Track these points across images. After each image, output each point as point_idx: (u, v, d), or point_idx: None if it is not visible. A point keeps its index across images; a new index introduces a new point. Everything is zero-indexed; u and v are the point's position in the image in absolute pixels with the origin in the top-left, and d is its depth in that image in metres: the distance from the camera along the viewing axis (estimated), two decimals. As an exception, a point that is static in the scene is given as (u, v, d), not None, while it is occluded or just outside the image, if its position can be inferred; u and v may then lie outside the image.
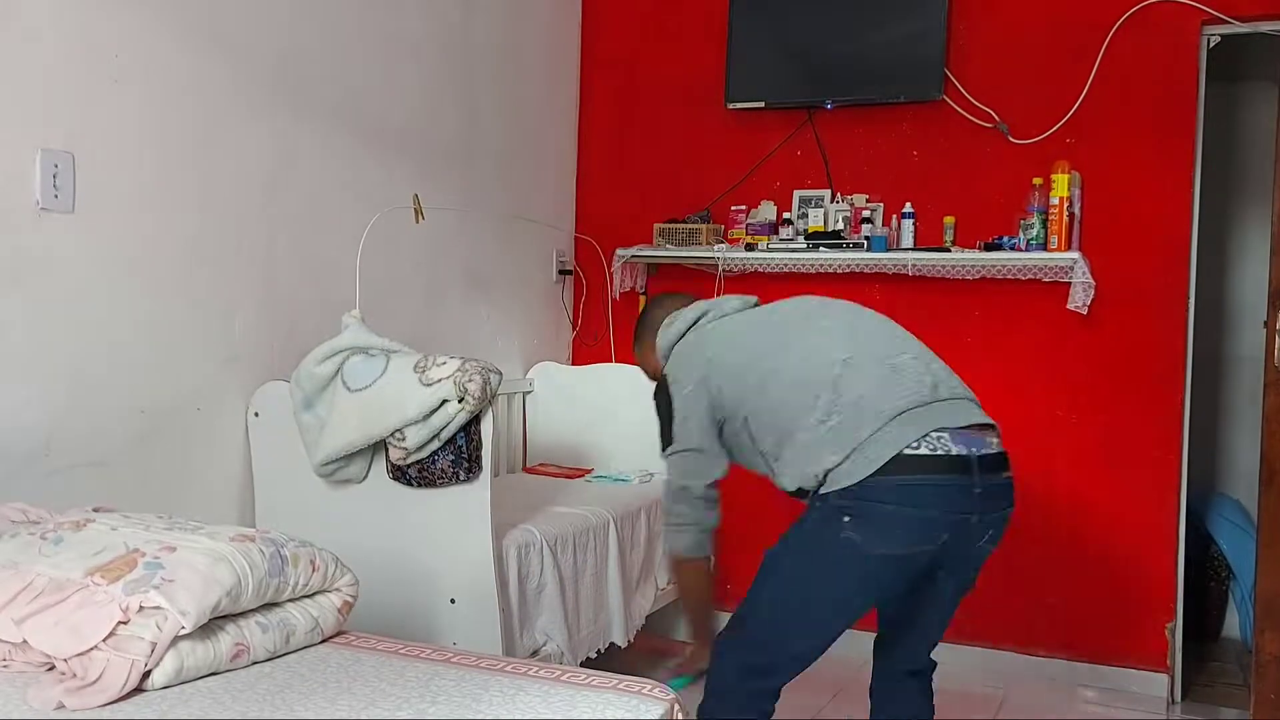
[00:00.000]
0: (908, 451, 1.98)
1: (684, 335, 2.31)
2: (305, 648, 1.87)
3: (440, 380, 2.52)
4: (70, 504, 2.10)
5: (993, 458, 2.05)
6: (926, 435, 1.99)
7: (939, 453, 1.99)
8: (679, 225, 4.02)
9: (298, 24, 2.98)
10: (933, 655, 2.36)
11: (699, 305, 2.36)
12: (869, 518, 2.01)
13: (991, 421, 2.09)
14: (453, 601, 2.64)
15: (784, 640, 2.16)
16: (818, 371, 2.10)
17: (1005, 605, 3.67)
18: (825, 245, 3.77)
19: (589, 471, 3.81)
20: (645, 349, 2.50)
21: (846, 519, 2.03)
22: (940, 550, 2.04)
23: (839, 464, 2.03)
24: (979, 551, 2.12)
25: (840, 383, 2.07)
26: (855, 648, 3.91)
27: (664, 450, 2.28)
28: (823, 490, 2.07)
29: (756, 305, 2.37)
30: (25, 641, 1.69)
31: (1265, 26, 3.46)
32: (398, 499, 2.66)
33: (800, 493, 2.16)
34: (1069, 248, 3.49)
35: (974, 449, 2.02)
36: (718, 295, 4.09)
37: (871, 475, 1.99)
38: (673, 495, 2.30)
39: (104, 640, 1.63)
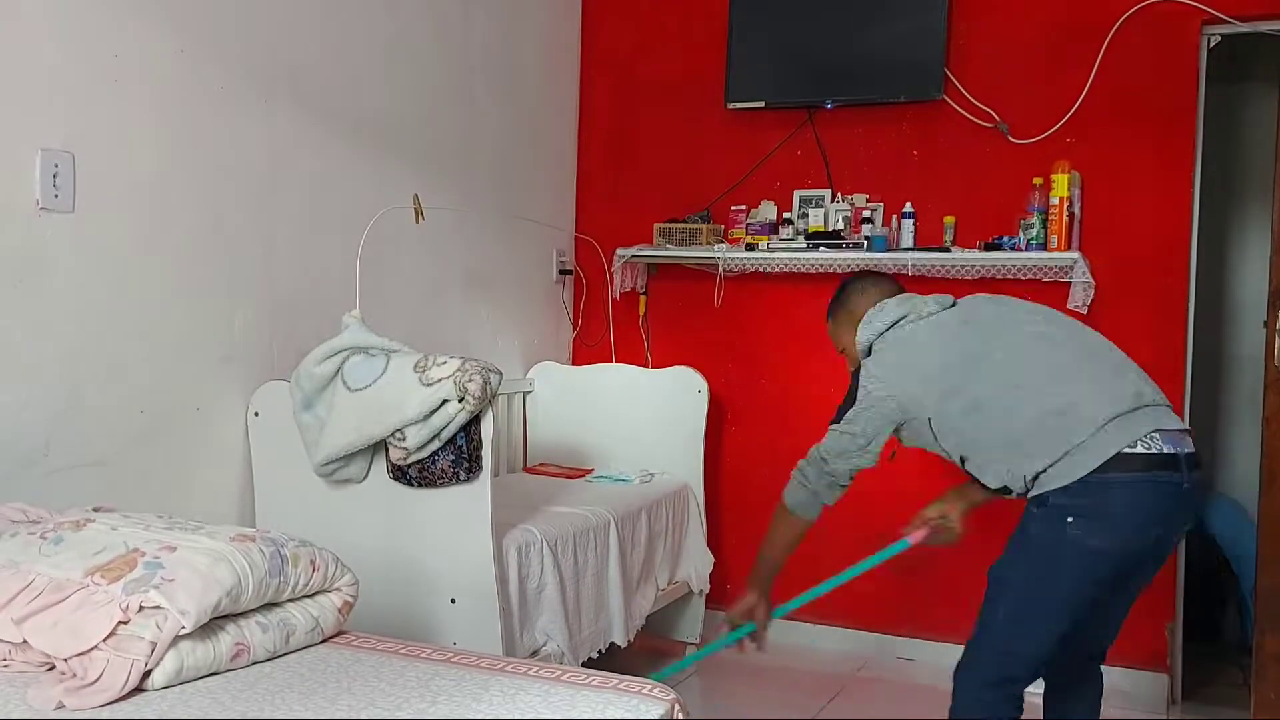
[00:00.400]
0: (1126, 450, 2.13)
1: (883, 334, 2.44)
2: (305, 648, 1.87)
3: (440, 380, 2.52)
4: (70, 504, 2.10)
5: (1194, 457, 2.20)
6: (1141, 437, 2.15)
7: (1153, 451, 2.15)
8: (679, 225, 4.02)
9: (298, 24, 2.98)
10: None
11: (900, 303, 2.48)
12: (1093, 514, 2.14)
13: (1188, 427, 2.25)
14: (453, 601, 2.64)
15: (1024, 648, 2.25)
16: (1029, 377, 2.26)
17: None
18: (825, 245, 3.77)
19: (589, 471, 3.81)
20: (842, 330, 2.64)
21: (1070, 519, 2.15)
22: (1154, 543, 2.21)
23: (1053, 464, 2.16)
24: (1173, 545, 2.31)
25: (1050, 389, 2.22)
26: (855, 647, 3.93)
27: (835, 421, 2.43)
28: (1037, 492, 2.20)
29: (953, 305, 2.48)
30: (25, 641, 1.69)
31: (1265, 26, 3.46)
32: (398, 499, 2.66)
33: (1003, 490, 2.30)
34: (1069, 247, 3.49)
35: (1181, 448, 2.17)
36: (717, 297, 4.09)
37: (1092, 473, 2.12)
38: (816, 461, 2.48)
39: (104, 640, 1.63)
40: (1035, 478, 2.20)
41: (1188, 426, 2.25)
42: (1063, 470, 2.15)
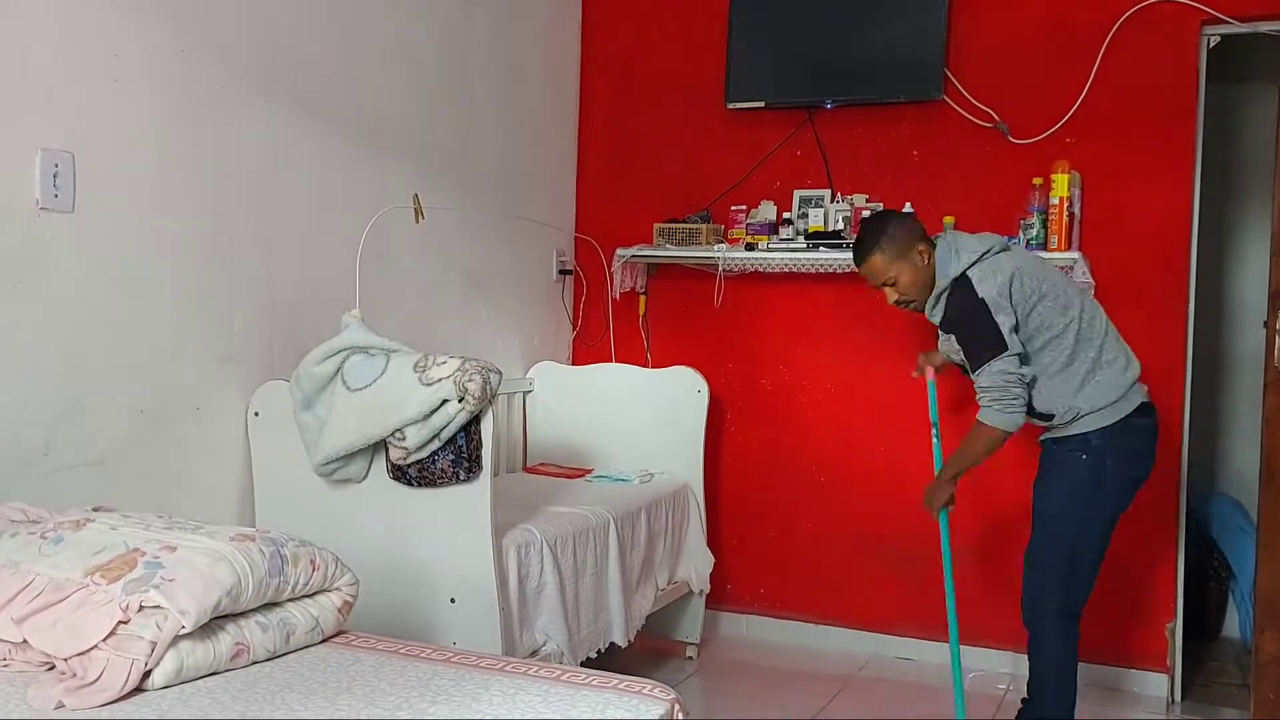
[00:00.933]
0: (1143, 400, 2.77)
1: (975, 263, 2.75)
2: (305, 647, 1.87)
3: (440, 380, 2.52)
4: (70, 504, 2.10)
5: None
6: (1141, 389, 2.77)
7: (1147, 400, 2.78)
8: (679, 225, 4.01)
9: (298, 24, 2.98)
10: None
11: (980, 239, 2.83)
12: (1121, 453, 2.74)
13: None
14: (453, 601, 2.64)
15: (1083, 564, 2.79)
16: (1096, 331, 2.78)
17: (1006, 605, 3.66)
18: (825, 245, 3.77)
19: (589, 471, 3.81)
20: (893, 261, 2.86)
21: (1109, 460, 2.73)
22: (1145, 475, 2.82)
23: (1096, 409, 2.72)
24: None
25: (1107, 346, 2.78)
26: (855, 648, 3.93)
27: (995, 356, 2.69)
28: (1076, 432, 2.75)
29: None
30: (25, 641, 1.69)
31: (1265, 26, 3.46)
32: (398, 499, 2.66)
33: (1043, 416, 2.79)
34: (1069, 247, 3.49)
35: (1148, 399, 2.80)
36: (717, 297, 4.09)
37: (1125, 418, 2.72)
38: (1008, 385, 2.71)
39: (104, 640, 1.63)
40: (1078, 415, 2.72)
41: None
42: (1105, 415, 2.70)
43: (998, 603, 3.58)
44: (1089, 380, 2.74)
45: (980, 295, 2.70)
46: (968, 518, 3.73)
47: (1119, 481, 2.78)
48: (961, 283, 2.75)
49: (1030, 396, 2.74)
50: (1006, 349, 2.68)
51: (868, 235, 2.92)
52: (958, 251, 2.78)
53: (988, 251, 2.77)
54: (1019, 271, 2.73)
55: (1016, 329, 2.71)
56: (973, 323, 2.72)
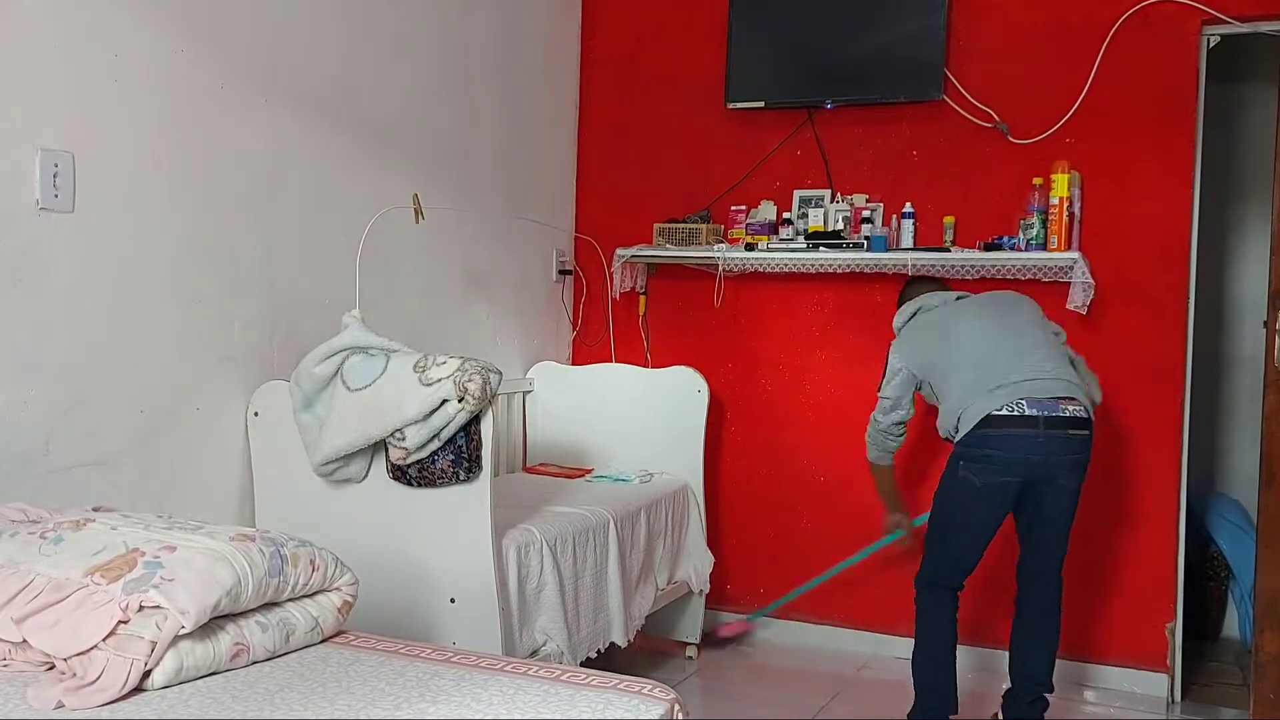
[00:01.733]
0: (994, 412, 2.87)
1: (905, 324, 3.21)
2: (305, 647, 1.87)
3: (440, 380, 2.52)
4: (70, 504, 2.10)
5: (1061, 419, 2.86)
6: (1009, 402, 2.86)
7: (1015, 413, 2.86)
8: (679, 225, 4.02)
9: (297, 24, 2.98)
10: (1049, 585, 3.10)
11: (916, 301, 3.23)
12: (974, 459, 2.91)
13: (1073, 396, 2.89)
14: (452, 601, 2.64)
15: (946, 552, 3.05)
16: (959, 360, 3.01)
17: (1005, 605, 3.66)
18: (825, 245, 3.77)
19: (589, 471, 3.81)
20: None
21: (961, 462, 2.94)
22: (1024, 481, 2.90)
23: (957, 422, 2.95)
24: (1060, 487, 2.93)
25: (964, 368, 2.98)
26: (855, 647, 3.93)
27: (879, 391, 3.22)
28: (954, 440, 2.98)
29: (953, 300, 3.19)
30: (25, 641, 1.69)
31: (1265, 26, 3.46)
32: (398, 499, 2.66)
33: (947, 439, 3.06)
34: (1069, 247, 3.49)
35: (1045, 411, 2.86)
36: (717, 296, 4.10)
37: (972, 430, 2.90)
38: (872, 423, 3.26)
39: (104, 640, 1.63)
40: (955, 430, 2.97)
41: (1069, 395, 2.88)
42: (963, 426, 2.92)
43: (997, 602, 3.58)
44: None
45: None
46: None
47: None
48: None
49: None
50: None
51: None
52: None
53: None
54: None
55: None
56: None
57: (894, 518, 3.50)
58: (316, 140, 3.06)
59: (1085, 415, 2.91)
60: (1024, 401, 2.86)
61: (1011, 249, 3.56)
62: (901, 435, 3.25)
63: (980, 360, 2.97)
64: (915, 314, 3.20)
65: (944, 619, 3.07)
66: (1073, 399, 2.90)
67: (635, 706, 1.63)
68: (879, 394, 3.21)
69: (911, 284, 3.44)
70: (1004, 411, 2.86)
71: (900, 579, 3.86)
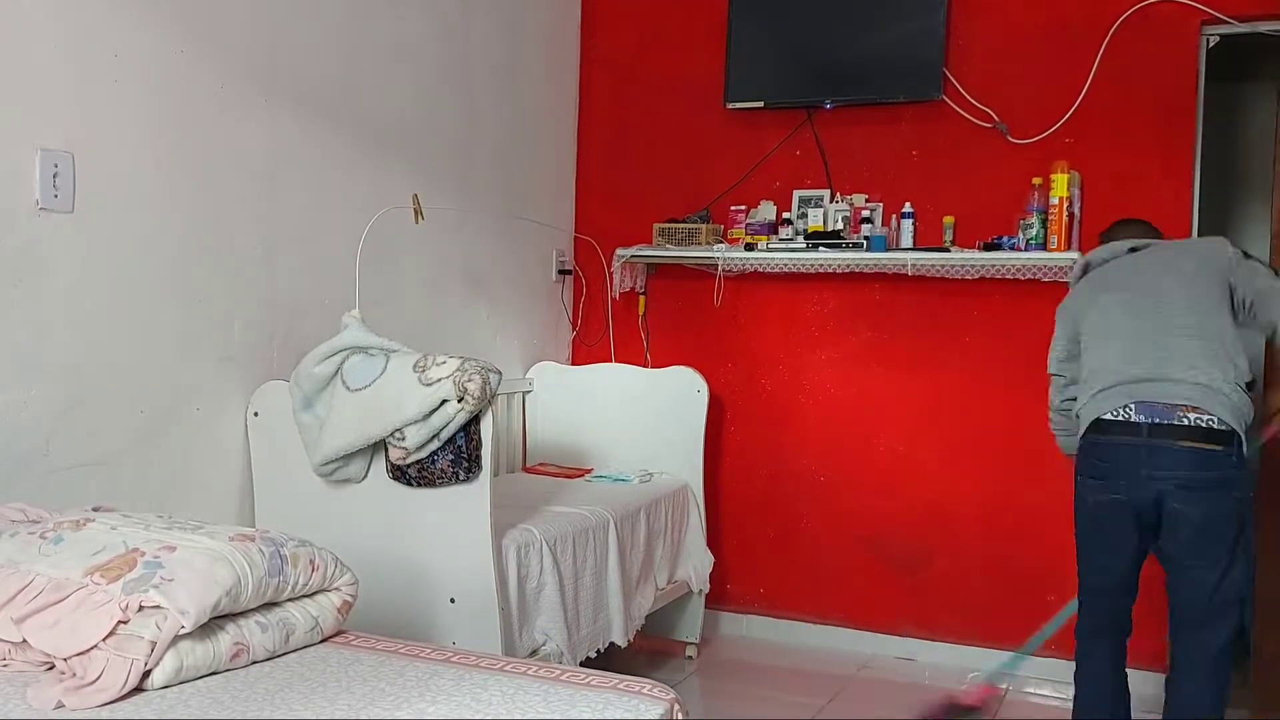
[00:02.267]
0: (1101, 416, 2.53)
1: (1075, 281, 2.88)
2: (305, 647, 1.87)
3: (440, 380, 2.52)
4: (70, 504, 2.10)
5: (1171, 427, 2.45)
6: (1119, 406, 2.50)
7: (1120, 418, 2.49)
8: (679, 225, 4.02)
9: (297, 24, 2.98)
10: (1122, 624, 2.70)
11: (1095, 252, 2.86)
12: (1082, 472, 2.61)
13: (1202, 405, 2.44)
14: (452, 601, 2.64)
15: (1082, 584, 2.70)
16: (1091, 339, 2.69)
17: (1005, 605, 3.67)
18: (825, 245, 3.77)
19: (589, 471, 3.81)
20: None
21: (1077, 475, 2.63)
22: (1132, 501, 2.49)
23: (1079, 422, 2.62)
24: (1175, 513, 2.45)
25: (1094, 351, 2.64)
26: (855, 647, 3.93)
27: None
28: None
29: (1123, 254, 2.78)
30: (25, 641, 1.69)
31: (1265, 26, 3.46)
32: (398, 499, 2.66)
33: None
34: (1068, 247, 3.49)
35: (1154, 418, 2.46)
36: (717, 296, 4.09)
37: (1084, 435, 2.58)
38: (1050, 410, 2.87)
39: (104, 640, 1.63)
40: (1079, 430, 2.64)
41: (1189, 403, 2.45)
42: (1081, 426, 2.60)
43: (997, 602, 3.59)
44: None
45: None
46: (975, 520, 3.73)
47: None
48: None
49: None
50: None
51: None
52: None
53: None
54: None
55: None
56: None
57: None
58: (316, 140, 3.06)
59: (1211, 427, 2.41)
60: (1133, 405, 2.47)
61: (1011, 249, 3.56)
62: (1069, 412, 2.80)
63: (1109, 345, 2.60)
64: (1085, 270, 2.82)
65: (1097, 673, 2.63)
66: (1199, 408, 2.43)
67: (635, 706, 1.63)
68: (1049, 371, 2.85)
69: (1113, 227, 3.01)
70: (1109, 416, 2.50)
71: (900, 579, 3.86)
